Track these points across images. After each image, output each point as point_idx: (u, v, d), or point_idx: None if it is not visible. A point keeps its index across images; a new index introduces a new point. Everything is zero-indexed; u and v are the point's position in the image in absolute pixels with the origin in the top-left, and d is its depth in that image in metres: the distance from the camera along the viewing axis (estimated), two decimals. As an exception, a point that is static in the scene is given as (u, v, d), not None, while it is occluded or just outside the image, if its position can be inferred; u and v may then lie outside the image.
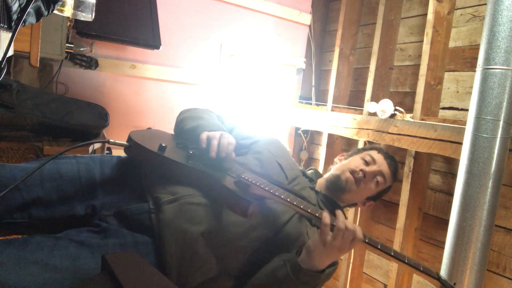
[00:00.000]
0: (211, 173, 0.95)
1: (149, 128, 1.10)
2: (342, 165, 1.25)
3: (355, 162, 1.23)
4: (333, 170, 1.25)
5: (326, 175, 1.27)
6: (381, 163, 1.22)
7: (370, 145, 1.38)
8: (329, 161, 2.58)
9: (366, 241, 0.87)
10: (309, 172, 1.29)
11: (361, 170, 1.18)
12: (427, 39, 1.96)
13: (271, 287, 0.92)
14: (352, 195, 1.19)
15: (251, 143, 1.22)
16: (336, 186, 1.18)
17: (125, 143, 0.96)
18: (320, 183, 1.24)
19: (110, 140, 0.94)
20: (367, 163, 1.21)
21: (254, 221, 0.95)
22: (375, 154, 1.25)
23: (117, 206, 0.94)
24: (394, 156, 1.30)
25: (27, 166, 0.94)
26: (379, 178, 1.20)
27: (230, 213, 0.93)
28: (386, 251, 0.86)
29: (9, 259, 0.79)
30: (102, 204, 0.95)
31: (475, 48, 1.87)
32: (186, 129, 1.11)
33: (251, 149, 1.19)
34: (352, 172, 1.18)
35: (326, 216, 0.88)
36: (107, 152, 1.92)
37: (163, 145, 0.95)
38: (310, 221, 1.07)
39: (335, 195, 1.20)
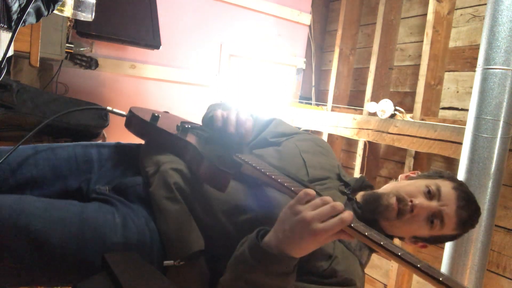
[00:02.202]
0: (193, 144, 0.87)
1: (167, 112, 1.05)
2: (397, 185, 0.95)
3: (415, 187, 0.91)
4: (383, 187, 0.97)
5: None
6: (447, 202, 0.88)
7: (449, 173, 1.00)
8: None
9: (352, 225, 0.62)
10: (350, 178, 1.01)
11: (411, 201, 0.87)
12: (427, 39, 1.96)
13: (230, 269, 0.74)
14: (390, 225, 0.90)
15: (284, 140, 1.04)
16: (371, 206, 0.90)
17: (124, 113, 0.95)
18: (361, 195, 0.97)
19: (108, 108, 0.94)
20: (429, 194, 0.89)
21: (244, 203, 0.83)
22: (447, 187, 0.90)
23: (113, 181, 0.91)
24: (475, 199, 0.92)
25: (19, 148, 0.94)
26: (435, 220, 0.88)
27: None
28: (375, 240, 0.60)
29: (5, 202, 0.74)
30: (97, 179, 0.93)
31: (475, 48, 1.87)
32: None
33: (280, 144, 1.03)
34: (400, 199, 0.88)
35: (310, 190, 0.68)
36: None
37: (156, 115, 0.91)
38: None
39: (371, 216, 0.90)
